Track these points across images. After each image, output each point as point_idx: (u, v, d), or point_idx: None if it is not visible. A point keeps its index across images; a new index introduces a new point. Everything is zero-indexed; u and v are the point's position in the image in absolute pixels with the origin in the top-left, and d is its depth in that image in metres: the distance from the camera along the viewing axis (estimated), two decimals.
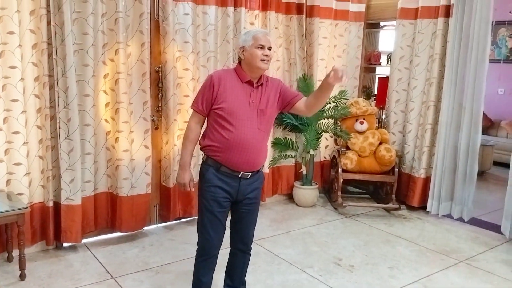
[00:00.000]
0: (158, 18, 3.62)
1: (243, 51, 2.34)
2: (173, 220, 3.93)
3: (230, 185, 2.35)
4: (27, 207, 2.90)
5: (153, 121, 3.70)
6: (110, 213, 3.59)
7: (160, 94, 3.73)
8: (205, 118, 2.42)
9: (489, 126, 7.53)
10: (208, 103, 2.34)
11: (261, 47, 2.29)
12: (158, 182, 3.87)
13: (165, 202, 3.87)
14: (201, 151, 2.43)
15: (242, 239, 2.55)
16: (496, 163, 6.45)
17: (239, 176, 2.35)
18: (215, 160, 2.34)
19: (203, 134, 2.44)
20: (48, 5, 3.05)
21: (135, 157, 3.55)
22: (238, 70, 2.37)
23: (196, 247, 2.48)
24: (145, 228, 3.79)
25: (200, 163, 2.48)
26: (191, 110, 3.54)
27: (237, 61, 2.42)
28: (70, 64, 3.14)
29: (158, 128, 3.78)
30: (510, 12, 6.83)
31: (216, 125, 2.33)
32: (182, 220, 4.01)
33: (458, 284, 3.09)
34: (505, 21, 6.95)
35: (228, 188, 2.36)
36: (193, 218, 4.01)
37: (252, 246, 2.60)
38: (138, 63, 3.49)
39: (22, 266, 2.91)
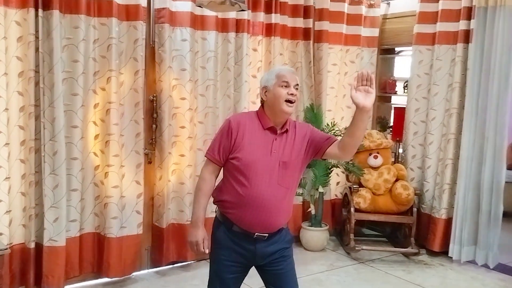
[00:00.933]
0: (154, 44, 3.82)
1: (266, 91, 2.31)
2: (166, 265, 4.00)
3: (244, 248, 2.30)
4: (7, 248, 2.98)
5: (146, 154, 3.83)
6: (96, 256, 3.67)
7: (154, 125, 3.88)
8: (220, 168, 2.37)
9: None
10: (225, 152, 2.29)
11: (286, 85, 2.26)
12: (150, 222, 3.96)
13: (157, 245, 3.95)
14: (214, 204, 2.42)
15: None
16: None
17: (254, 237, 2.28)
18: (227, 217, 2.32)
19: (217, 185, 2.41)
20: (37, 31, 3.24)
21: (125, 194, 3.66)
22: (260, 114, 2.34)
23: None
24: (134, 273, 3.85)
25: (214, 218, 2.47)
26: (188, 143, 3.70)
27: (259, 104, 2.40)
28: (58, 94, 3.30)
29: (151, 162, 3.91)
30: None
31: (230, 177, 2.29)
32: (176, 265, 4.07)
33: None
34: None
35: (242, 251, 2.30)
36: (188, 262, 4.08)
37: None
38: (131, 92, 3.65)
39: None
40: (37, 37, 3.26)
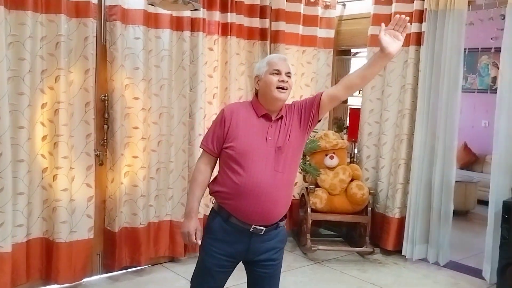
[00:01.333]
0: (105, 42, 3.76)
1: (258, 80, 2.36)
2: (118, 270, 3.94)
3: (238, 241, 2.29)
4: None
5: (97, 156, 3.76)
6: (45, 262, 3.57)
7: (105, 126, 3.82)
8: (216, 159, 2.39)
9: (474, 161, 7.92)
10: (219, 142, 2.32)
11: (276, 73, 2.28)
12: (102, 226, 3.89)
13: (109, 249, 3.89)
14: (210, 195, 2.42)
15: None
16: (481, 202, 6.74)
17: (250, 230, 2.27)
18: (223, 208, 2.31)
19: (214, 177, 2.41)
20: None
21: (75, 197, 3.59)
22: (254, 102, 2.37)
23: None
24: (85, 279, 3.77)
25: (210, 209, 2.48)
26: (141, 144, 3.66)
27: (254, 93, 2.42)
28: (3, 93, 3.19)
29: (102, 164, 3.84)
30: (491, 39, 7.34)
31: (226, 167, 2.29)
32: (129, 270, 4.02)
33: None
34: (488, 48, 7.42)
35: (236, 245, 2.29)
36: (142, 267, 4.04)
37: None
38: (81, 91, 3.58)
39: None
40: None
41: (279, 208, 2.31)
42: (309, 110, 2.35)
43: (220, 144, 2.32)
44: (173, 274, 3.99)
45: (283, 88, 2.28)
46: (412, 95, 4.55)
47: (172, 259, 4.26)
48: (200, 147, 2.45)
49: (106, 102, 3.80)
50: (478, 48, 7.21)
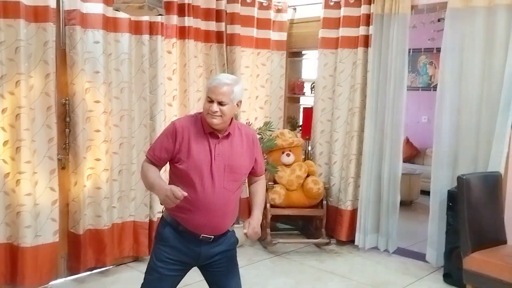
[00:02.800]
0: (65, 47, 3.69)
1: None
2: (84, 272, 3.88)
3: (189, 248, 2.31)
4: None
5: (59, 160, 3.69)
6: (9, 267, 3.47)
7: (67, 130, 3.75)
8: (160, 169, 2.37)
9: (415, 154, 8.30)
10: (168, 154, 2.31)
11: (209, 101, 2.25)
12: (66, 229, 3.82)
13: (74, 252, 3.83)
14: (161, 204, 2.38)
15: None
16: (423, 192, 7.08)
17: (200, 238, 2.30)
18: (174, 218, 2.33)
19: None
20: None
21: (39, 201, 3.51)
22: (203, 118, 2.33)
23: None
24: (51, 282, 3.69)
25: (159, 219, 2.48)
26: (103, 147, 3.61)
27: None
28: None
29: (65, 167, 3.77)
30: (429, 40, 7.72)
31: (177, 182, 2.28)
32: (94, 271, 3.97)
33: None
34: (425, 49, 7.80)
35: (187, 251, 2.32)
36: (107, 268, 4.00)
37: None
38: (42, 95, 3.51)
39: None
40: None
41: (226, 221, 2.37)
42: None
43: (168, 156, 2.31)
44: (138, 273, 3.96)
45: (214, 116, 2.25)
46: (361, 94, 4.74)
47: (137, 259, 4.24)
48: (146, 156, 2.39)
49: (67, 106, 3.73)
50: (420, 49, 7.60)
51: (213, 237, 2.32)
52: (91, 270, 3.94)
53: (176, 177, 2.33)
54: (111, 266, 4.04)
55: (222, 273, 2.43)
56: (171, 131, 2.32)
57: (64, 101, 3.72)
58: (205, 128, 2.32)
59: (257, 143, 2.49)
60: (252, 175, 2.51)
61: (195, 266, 2.42)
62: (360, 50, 4.72)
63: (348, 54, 4.83)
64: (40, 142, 3.51)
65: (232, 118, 2.34)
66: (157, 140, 2.41)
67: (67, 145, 3.77)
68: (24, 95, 3.39)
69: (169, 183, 2.33)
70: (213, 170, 2.26)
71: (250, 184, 2.56)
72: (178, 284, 2.42)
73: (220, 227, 2.34)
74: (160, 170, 2.38)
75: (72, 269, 3.86)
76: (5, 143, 3.40)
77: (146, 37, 4.10)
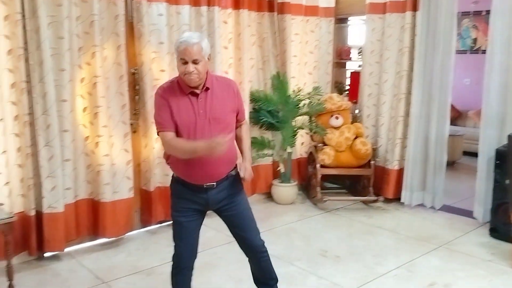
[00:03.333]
0: (132, 20, 3.86)
1: (177, 61, 2.35)
2: (155, 224, 4.17)
3: (198, 197, 2.47)
4: (13, 216, 3.06)
5: (131, 124, 3.92)
6: (92, 220, 3.79)
7: (137, 97, 3.96)
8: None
9: (457, 116, 8.17)
10: (172, 118, 2.35)
11: (184, 62, 2.29)
12: (138, 186, 4.09)
13: (146, 206, 4.11)
14: (167, 164, 2.57)
15: (248, 246, 2.64)
16: (465, 153, 7.05)
17: (204, 187, 2.45)
18: (178, 176, 2.50)
19: (164, 152, 2.55)
20: (23, 10, 3.23)
21: (115, 161, 3.77)
22: (180, 81, 2.38)
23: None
24: (127, 234, 3.99)
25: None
26: None
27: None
28: (47, 70, 3.33)
29: (136, 131, 4.01)
30: (472, 3, 7.48)
31: None
32: (163, 224, 4.25)
33: (440, 266, 3.52)
34: (468, 12, 7.59)
35: (197, 199, 2.47)
36: None
37: (265, 247, 2.68)
38: (114, 65, 3.71)
39: (10, 277, 3.07)
40: (23, 16, 3.25)
41: (221, 168, 2.46)
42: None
43: (173, 120, 2.35)
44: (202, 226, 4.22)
45: (191, 76, 2.29)
46: (409, 57, 4.72)
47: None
48: (160, 131, 2.39)
49: (136, 75, 3.93)
50: (463, 12, 7.38)
51: (215, 183, 2.45)
52: (161, 223, 4.23)
53: None
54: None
55: (236, 215, 2.57)
56: (159, 99, 2.38)
57: (133, 70, 3.92)
58: (184, 89, 2.37)
59: (238, 91, 2.54)
60: (236, 121, 2.57)
61: (208, 210, 2.56)
62: (408, 14, 4.67)
63: (396, 19, 4.79)
64: (114, 108, 3.74)
65: (207, 72, 2.39)
66: (158, 114, 2.41)
67: (137, 111, 3.98)
68: (99, 65, 3.61)
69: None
70: (199, 126, 2.36)
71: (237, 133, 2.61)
72: (200, 227, 2.58)
73: (218, 175, 2.45)
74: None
75: (145, 222, 4.15)
76: (84, 109, 3.65)
77: (204, 8, 4.22)
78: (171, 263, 2.59)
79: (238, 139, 2.64)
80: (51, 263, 3.52)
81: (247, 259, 2.72)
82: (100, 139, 3.68)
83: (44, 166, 3.41)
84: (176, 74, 2.30)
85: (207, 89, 2.40)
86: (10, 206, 3.34)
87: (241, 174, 2.50)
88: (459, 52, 7.83)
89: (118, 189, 3.80)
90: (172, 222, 2.58)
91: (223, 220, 2.63)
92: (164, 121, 2.37)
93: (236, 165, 2.57)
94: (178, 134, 2.37)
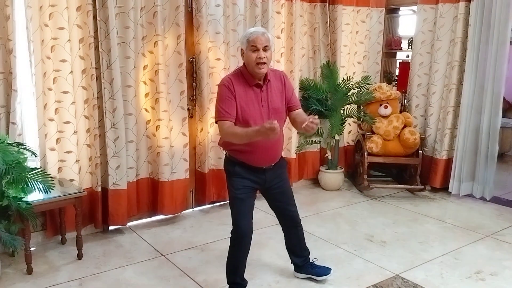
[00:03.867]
0: (191, 11, 3.95)
1: (243, 53, 2.51)
2: (208, 204, 4.30)
3: (258, 177, 2.65)
4: (83, 191, 3.26)
5: (188, 109, 4.04)
6: (151, 198, 3.95)
7: (194, 84, 4.07)
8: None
9: (508, 108, 7.82)
10: (234, 108, 2.47)
11: (255, 50, 2.43)
12: (193, 168, 4.22)
13: (200, 187, 4.23)
14: (224, 150, 2.75)
15: (287, 218, 2.90)
16: None
17: (264, 169, 2.65)
18: (240, 160, 2.62)
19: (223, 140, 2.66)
20: (94, 1, 3.39)
21: (174, 144, 3.90)
22: (245, 72, 2.53)
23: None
24: (182, 212, 4.14)
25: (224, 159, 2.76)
26: None
27: (243, 64, 2.56)
28: (114, 57, 3.48)
29: (192, 116, 4.12)
30: None
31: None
32: (216, 204, 4.37)
33: (486, 255, 3.44)
34: None
35: (256, 179, 2.65)
36: (226, 202, 4.34)
37: (300, 219, 2.94)
38: (174, 54, 3.83)
39: (79, 246, 3.28)
40: (94, 6, 3.40)
41: (279, 151, 2.73)
42: (287, 103, 2.67)
43: (235, 109, 2.48)
44: None
45: (262, 63, 2.44)
46: (461, 48, 4.58)
47: None
48: (221, 119, 2.47)
49: (194, 63, 4.03)
50: None
51: (272, 165, 2.67)
52: (213, 203, 4.36)
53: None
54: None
55: (282, 192, 2.80)
56: (226, 91, 2.49)
57: (191, 59, 4.02)
58: (249, 81, 2.52)
59: (287, 80, 2.69)
60: (292, 110, 2.68)
61: (262, 188, 2.74)
62: (462, 4, 4.52)
63: (449, 9, 4.64)
64: (174, 94, 3.86)
65: None
66: (221, 103, 2.49)
67: (194, 97, 4.10)
68: (161, 54, 3.73)
69: None
70: (263, 115, 2.53)
71: (293, 116, 2.69)
72: (254, 202, 2.73)
73: (276, 157, 2.70)
74: None
75: (199, 201, 4.29)
76: (146, 94, 3.79)
77: None
78: (230, 237, 2.70)
79: (299, 116, 2.65)
80: (115, 235, 3.71)
81: None
82: (160, 123, 3.82)
83: (110, 146, 3.59)
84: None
85: (269, 81, 2.56)
86: (80, 182, 3.54)
87: (306, 123, 2.39)
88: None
89: (176, 169, 3.93)
90: (231, 199, 2.69)
91: (269, 197, 2.82)
92: (225, 111, 2.48)
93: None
94: (244, 123, 2.49)
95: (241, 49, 2.54)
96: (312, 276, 3.01)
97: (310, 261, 3.04)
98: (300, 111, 2.73)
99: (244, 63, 2.56)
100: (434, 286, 2.97)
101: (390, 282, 3.03)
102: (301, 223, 2.96)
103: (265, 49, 2.45)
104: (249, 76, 2.52)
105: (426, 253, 3.46)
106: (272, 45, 2.49)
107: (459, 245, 3.61)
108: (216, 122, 2.57)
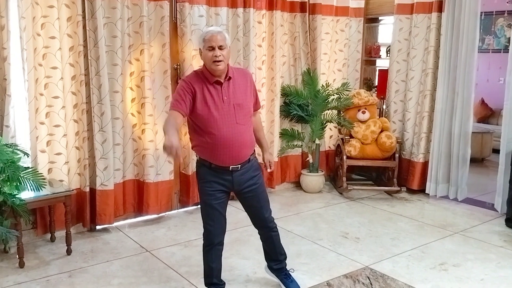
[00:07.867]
0: (176, 20, 4.31)
1: (201, 53, 2.63)
2: (192, 205, 4.62)
3: (224, 179, 2.70)
4: (73, 190, 3.58)
5: None
6: (137, 198, 4.27)
7: None
8: (183, 117, 2.59)
9: (490, 115, 8.27)
10: (186, 104, 2.56)
11: (211, 49, 2.55)
12: (178, 170, 4.55)
13: (184, 189, 4.56)
14: (192, 149, 2.86)
15: (260, 222, 2.96)
16: (495, 151, 7.14)
17: (230, 169, 2.69)
18: (205, 159, 2.70)
19: (190, 135, 2.78)
20: (83, 12, 3.73)
21: (159, 146, 4.22)
22: (204, 71, 2.64)
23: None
24: (167, 212, 4.46)
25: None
26: None
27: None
28: (102, 64, 3.82)
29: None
30: (507, 2, 7.54)
31: (197, 129, 2.65)
32: (199, 206, 4.67)
33: (452, 250, 3.79)
34: (503, 11, 7.66)
35: (222, 181, 2.70)
36: None
37: (274, 223, 3.01)
38: (160, 61, 4.18)
39: (68, 242, 3.59)
40: (83, 17, 3.75)
41: (245, 151, 2.73)
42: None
43: (187, 106, 2.56)
44: (234, 209, 4.63)
45: (218, 61, 2.55)
46: (434, 56, 4.98)
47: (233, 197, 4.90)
48: (171, 109, 2.58)
49: (178, 70, 4.38)
50: (498, 11, 7.46)
51: (239, 166, 2.72)
52: (197, 205, 4.62)
53: (195, 125, 2.67)
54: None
55: (255, 196, 2.84)
56: (184, 85, 2.61)
57: (176, 66, 4.37)
58: (209, 79, 2.62)
59: (252, 80, 2.83)
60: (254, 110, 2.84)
61: (232, 191, 2.80)
62: (434, 15, 4.92)
63: (422, 19, 5.05)
64: (159, 100, 4.20)
65: (228, 64, 2.66)
66: (176, 96, 2.62)
67: None
68: (147, 61, 4.08)
69: (190, 131, 2.76)
70: (225, 111, 2.61)
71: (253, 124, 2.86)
72: (226, 205, 2.83)
73: (242, 156, 2.71)
74: (181, 119, 2.58)
75: (183, 203, 4.61)
76: (133, 100, 4.13)
77: (240, 10, 4.62)
78: (202, 241, 2.83)
79: (255, 129, 2.89)
80: (102, 234, 4.02)
81: None
82: (146, 127, 4.15)
83: (98, 149, 3.91)
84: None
85: (229, 78, 2.67)
86: (68, 183, 3.85)
87: (268, 169, 2.91)
88: (494, 51, 7.93)
89: (161, 171, 4.26)
90: (201, 204, 2.82)
91: (242, 201, 2.90)
92: (175, 101, 2.59)
93: (254, 150, 2.86)
94: (206, 119, 2.59)
95: (199, 49, 2.66)
96: (281, 285, 3.10)
97: (287, 268, 3.13)
98: (257, 116, 2.95)
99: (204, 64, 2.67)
100: (400, 276, 3.32)
101: (359, 272, 3.37)
102: (277, 227, 3.03)
103: (221, 48, 2.55)
104: (209, 74, 2.62)
105: (396, 248, 3.81)
106: (229, 43, 2.65)
107: (428, 240, 3.97)
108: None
